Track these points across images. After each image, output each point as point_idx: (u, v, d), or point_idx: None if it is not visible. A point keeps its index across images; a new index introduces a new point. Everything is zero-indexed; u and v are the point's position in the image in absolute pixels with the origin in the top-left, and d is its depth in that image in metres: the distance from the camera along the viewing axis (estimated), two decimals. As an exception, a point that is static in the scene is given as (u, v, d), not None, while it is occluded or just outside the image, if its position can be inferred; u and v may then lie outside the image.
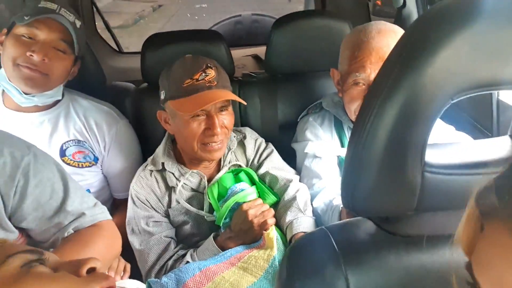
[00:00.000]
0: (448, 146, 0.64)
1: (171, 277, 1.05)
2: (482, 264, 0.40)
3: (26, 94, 1.23)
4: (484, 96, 1.35)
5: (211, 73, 1.14)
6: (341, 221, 0.73)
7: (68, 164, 1.31)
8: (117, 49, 2.64)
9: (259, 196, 1.23)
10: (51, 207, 0.93)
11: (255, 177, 1.26)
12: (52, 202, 0.93)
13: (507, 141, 0.63)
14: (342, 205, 1.08)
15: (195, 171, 1.25)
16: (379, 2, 2.60)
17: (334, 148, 1.27)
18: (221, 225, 1.19)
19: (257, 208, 1.16)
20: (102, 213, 1.01)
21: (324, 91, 1.51)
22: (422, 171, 0.55)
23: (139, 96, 1.57)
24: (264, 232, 1.12)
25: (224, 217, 1.18)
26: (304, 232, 1.11)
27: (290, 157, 1.38)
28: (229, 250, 1.11)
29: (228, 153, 1.28)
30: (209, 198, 1.22)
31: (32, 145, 0.95)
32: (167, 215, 1.25)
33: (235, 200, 1.18)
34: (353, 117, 1.24)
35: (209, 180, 1.26)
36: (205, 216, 1.23)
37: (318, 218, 1.18)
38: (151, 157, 1.30)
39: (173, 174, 1.24)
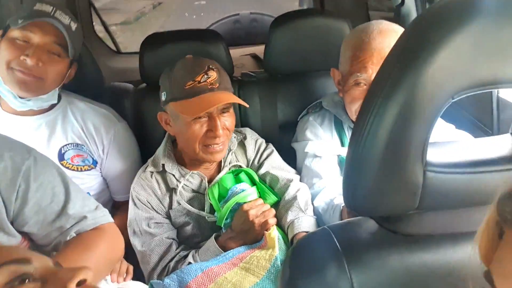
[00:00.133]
0: (449, 144, 0.64)
1: (173, 279, 1.05)
2: (504, 274, 0.39)
3: (21, 98, 1.22)
4: (484, 94, 1.35)
5: (213, 75, 1.14)
6: (343, 221, 0.73)
7: (67, 168, 1.30)
8: (115, 49, 2.64)
9: (260, 196, 1.23)
10: (52, 210, 0.93)
11: (255, 178, 1.26)
12: (53, 206, 0.93)
13: (508, 139, 0.63)
14: (343, 204, 1.09)
15: (195, 172, 1.25)
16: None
17: (334, 147, 1.27)
18: (222, 225, 1.19)
19: (258, 208, 1.16)
20: (104, 216, 1.01)
21: (324, 91, 1.51)
22: (424, 170, 0.55)
23: (138, 97, 1.57)
24: (266, 232, 1.12)
25: (225, 217, 1.18)
26: (305, 232, 1.11)
27: (290, 157, 1.37)
28: (231, 250, 1.11)
29: (228, 154, 1.28)
30: (209, 199, 1.22)
31: (32, 149, 0.94)
32: (168, 216, 1.25)
33: (236, 200, 1.18)
34: (354, 117, 1.24)
35: (209, 181, 1.26)
36: (206, 217, 1.23)
37: (319, 217, 1.18)
38: (151, 158, 1.30)
39: (173, 175, 1.24)
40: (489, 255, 0.42)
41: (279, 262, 1.05)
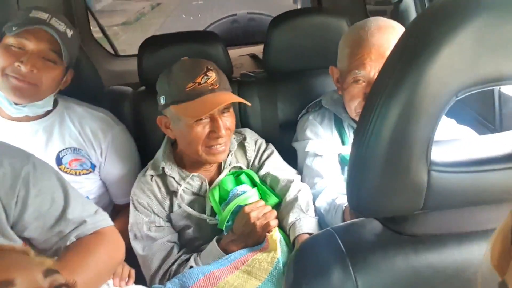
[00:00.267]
0: (453, 143, 0.63)
1: (175, 283, 1.04)
2: None
3: (16, 104, 1.22)
4: (486, 89, 1.34)
5: (212, 75, 1.14)
6: (347, 222, 0.72)
7: (65, 172, 1.30)
8: (113, 53, 2.63)
9: (261, 198, 1.22)
10: (52, 216, 0.93)
11: (256, 179, 1.25)
12: (53, 211, 0.93)
13: (513, 136, 0.62)
14: (345, 204, 1.08)
15: (195, 174, 1.24)
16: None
17: (334, 146, 1.26)
18: (223, 228, 1.18)
19: (259, 210, 1.15)
20: (104, 220, 1.01)
21: (324, 89, 1.50)
22: (428, 170, 0.54)
23: (137, 100, 1.56)
24: (267, 234, 1.11)
25: (226, 220, 1.17)
26: (307, 233, 1.10)
27: (291, 157, 1.37)
28: (233, 253, 1.11)
29: (228, 155, 1.27)
30: (210, 202, 1.21)
31: (31, 155, 0.94)
32: (169, 220, 1.24)
33: (237, 203, 1.17)
34: (353, 115, 1.23)
35: (210, 183, 1.26)
36: (208, 220, 1.22)
37: (321, 217, 1.17)
38: (151, 161, 1.29)
39: (173, 178, 1.24)
40: (503, 265, 0.40)
41: (281, 265, 1.05)
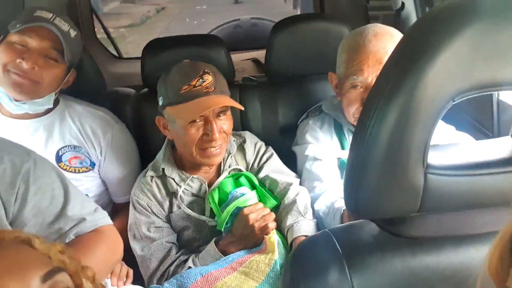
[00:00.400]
0: (450, 147, 0.64)
1: (172, 283, 1.04)
2: None
3: (16, 101, 1.23)
4: (484, 96, 1.35)
5: (208, 78, 1.15)
6: (345, 224, 0.73)
7: (65, 170, 1.31)
8: (117, 55, 2.65)
9: (260, 200, 1.23)
10: (51, 213, 0.93)
11: (255, 181, 1.26)
12: (52, 208, 0.93)
13: (508, 141, 0.63)
14: (344, 208, 1.08)
15: (195, 176, 1.25)
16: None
17: (334, 150, 1.27)
18: (222, 230, 1.19)
19: (258, 212, 1.16)
20: (103, 218, 1.01)
21: (325, 94, 1.51)
22: (425, 172, 0.55)
23: (139, 101, 1.57)
24: (265, 236, 1.11)
25: (225, 222, 1.18)
26: (304, 236, 1.10)
27: (291, 161, 1.37)
28: (231, 255, 1.11)
29: (228, 157, 1.28)
30: (210, 203, 1.22)
31: (32, 151, 0.95)
32: (168, 221, 1.25)
33: (236, 205, 1.18)
34: (351, 120, 1.24)
35: (209, 185, 1.26)
36: (207, 221, 1.23)
37: (319, 220, 1.18)
38: (152, 163, 1.30)
39: (173, 179, 1.24)
40: (501, 275, 0.40)
41: (278, 267, 1.05)
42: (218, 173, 1.29)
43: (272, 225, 1.15)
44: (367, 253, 0.61)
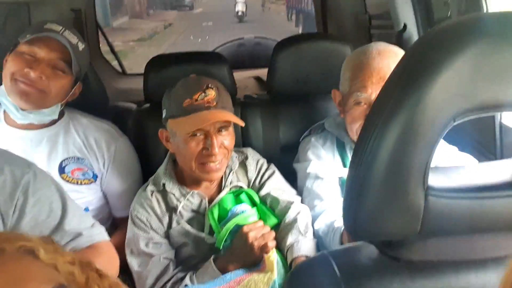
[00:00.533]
0: (451, 169, 0.63)
1: (168, 301, 1.02)
2: None
3: (22, 110, 1.24)
4: (487, 120, 1.35)
5: (211, 93, 1.15)
6: (343, 246, 0.72)
7: (67, 181, 1.31)
8: (121, 71, 2.68)
9: (260, 218, 1.21)
10: (48, 226, 0.93)
11: (256, 199, 1.25)
12: (50, 221, 0.93)
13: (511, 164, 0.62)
14: (343, 227, 1.07)
15: (195, 192, 1.24)
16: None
17: (336, 168, 1.26)
18: (221, 247, 1.17)
19: (258, 230, 1.14)
20: (100, 234, 1.00)
21: (326, 113, 1.51)
22: (425, 194, 0.54)
23: (141, 116, 1.58)
24: (265, 255, 1.10)
25: (224, 239, 1.16)
26: (304, 256, 1.09)
27: (292, 178, 1.36)
28: (229, 273, 1.09)
29: (229, 174, 1.28)
30: (209, 220, 1.21)
31: (32, 164, 0.95)
32: (167, 236, 1.23)
33: (236, 222, 1.16)
34: (355, 138, 1.24)
35: (210, 201, 1.25)
36: (205, 238, 1.21)
37: (319, 240, 1.16)
38: (152, 177, 1.30)
39: (173, 195, 1.24)
40: None
41: (277, 286, 1.03)
42: (219, 189, 1.28)
43: (272, 244, 1.13)
44: (365, 277, 0.60)
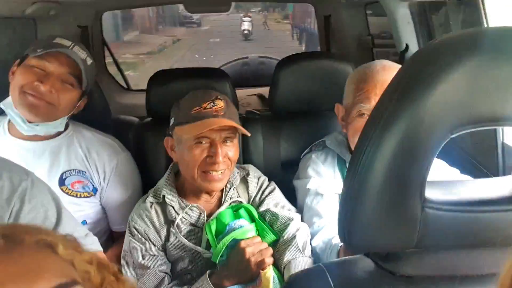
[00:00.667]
0: (448, 183, 0.62)
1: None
2: None
3: (29, 122, 1.25)
4: (489, 141, 1.34)
5: (220, 103, 1.18)
6: (339, 259, 0.71)
7: (66, 193, 1.31)
8: (125, 86, 2.71)
9: (258, 234, 1.20)
10: None
11: (255, 214, 1.24)
12: None
13: (510, 181, 0.62)
14: (341, 244, 1.06)
15: (195, 205, 1.24)
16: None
17: (336, 185, 1.26)
18: (217, 261, 1.16)
19: (255, 246, 1.13)
20: (93, 244, 1.00)
21: (327, 131, 1.51)
22: (422, 206, 0.54)
23: (142, 130, 1.59)
24: (261, 271, 1.08)
25: (220, 254, 1.15)
26: None
27: (292, 196, 1.36)
28: None
29: (230, 189, 1.27)
30: (206, 234, 1.20)
31: (31, 172, 0.96)
32: (163, 249, 1.22)
33: (233, 236, 1.15)
34: None
35: (209, 216, 1.25)
36: (202, 253, 1.20)
37: (316, 256, 1.15)
38: (152, 189, 1.29)
39: (173, 207, 1.23)
40: None
41: None
42: (219, 204, 1.27)
43: (269, 260, 1.12)
44: None
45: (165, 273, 1.19)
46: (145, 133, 1.57)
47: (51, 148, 1.32)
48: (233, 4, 2.35)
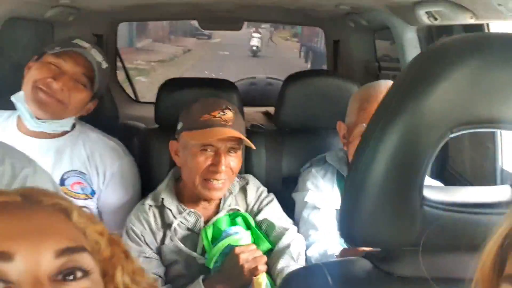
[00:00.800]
0: (447, 188, 0.64)
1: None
2: None
3: (37, 119, 1.26)
4: (488, 166, 1.36)
5: (229, 113, 1.21)
6: (338, 259, 0.71)
7: (65, 193, 1.30)
8: (134, 98, 2.75)
9: (253, 242, 1.20)
10: None
11: (251, 222, 1.25)
12: None
13: (507, 189, 0.63)
14: (336, 254, 1.07)
15: (193, 210, 1.25)
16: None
17: (333, 200, 1.27)
18: (211, 266, 1.16)
19: (250, 253, 1.14)
20: None
21: (330, 148, 1.52)
22: (421, 203, 0.55)
23: (149, 136, 1.60)
24: (254, 278, 1.08)
25: (215, 259, 1.15)
26: None
27: (291, 210, 1.36)
28: None
29: (228, 196, 1.28)
30: (202, 239, 1.20)
31: (33, 160, 0.96)
32: (159, 252, 1.22)
33: (228, 242, 1.16)
34: None
35: (206, 222, 1.25)
36: (197, 258, 1.20)
37: None
38: (152, 192, 1.30)
39: (170, 211, 1.24)
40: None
41: None
42: (217, 211, 1.28)
43: (263, 267, 1.12)
44: None
45: (159, 276, 1.18)
46: (151, 139, 1.58)
47: (55, 147, 1.33)
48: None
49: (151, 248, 1.21)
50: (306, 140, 1.60)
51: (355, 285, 0.62)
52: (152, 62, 12.30)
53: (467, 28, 1.34)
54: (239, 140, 1.22)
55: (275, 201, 1.34)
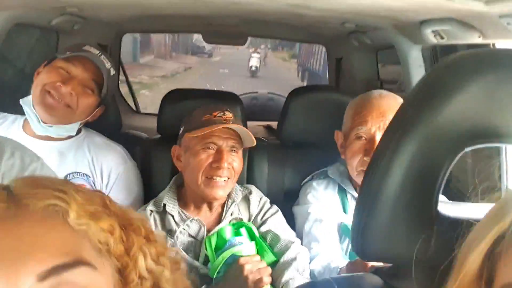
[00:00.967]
0: (460, 203, 0.62)
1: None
2: None
3: (44, 123, 1.27)
4: (493, 184, 1.34)
5: (229, 114, 1.23)
6: (348, 274, 0.70)
7: None
8: (135, 109, 2.75)
9: (258, 253, 1.19)
10: None
11: (255, 233, 1.24)
12: None
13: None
14: (340, 267, 1.06)
15: (195, 218, 1.24)
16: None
17: (335, 213, 1.27)
18: (214, 276, 1.14)
19: (254, 264, 1.13)
20: None
21: (332, 163, 1.52)
22: (436, 219, 0.54)
23: (151, 146, 1.60)
24: None
25: (218, 269, 1.13)
26: None
27: (292, 224, 1.35)
28: None
29: (231, 205, 1.28)
30: (206, 248, 1.19)
31: (40, 157, 0.97)
32: None
33: (232, 252, 1.14)
34: (354, 174, 1.28)
35: (208, 230, 1.24)
36: (199, 268, 1.18)
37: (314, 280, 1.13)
38: (154, 198, 1.30)
39: (172, 217, 1.23)
40: None
41: None
42: (219, 219, 1.27)
43: (267, 279, 1.11)
44: None
45: None
46: (152, 149, 1.58)
47: (60, 149, 1.33)
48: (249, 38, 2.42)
49: None
50: (309, 154, 1.60)
51: None
52: (154, 77, 12.94)
53: (472, 47, 1.34)
54: (240, 140, 1.24)
55: (279, 213, 1.33)
